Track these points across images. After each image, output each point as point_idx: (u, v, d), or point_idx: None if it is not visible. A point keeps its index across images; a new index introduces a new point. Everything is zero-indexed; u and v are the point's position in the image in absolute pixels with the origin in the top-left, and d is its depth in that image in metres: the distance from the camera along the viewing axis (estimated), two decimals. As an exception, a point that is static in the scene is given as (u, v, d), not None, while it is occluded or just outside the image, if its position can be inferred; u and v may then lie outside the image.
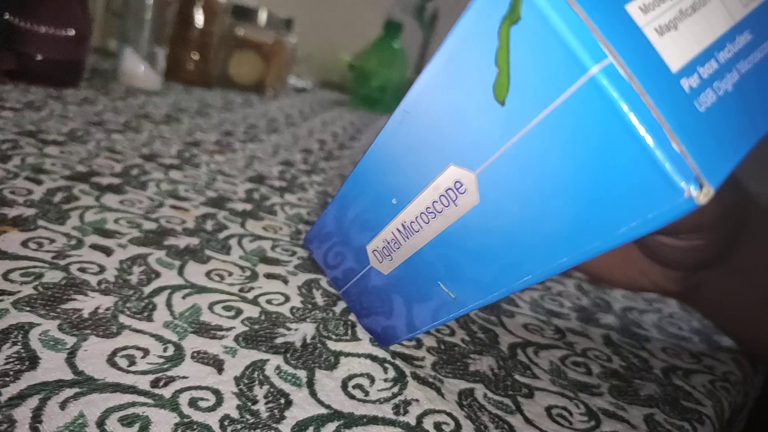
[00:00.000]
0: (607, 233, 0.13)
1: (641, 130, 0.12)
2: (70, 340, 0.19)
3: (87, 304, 0.21)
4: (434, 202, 0.17)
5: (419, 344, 0.24)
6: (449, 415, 0.20)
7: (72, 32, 0.51)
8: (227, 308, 0.23)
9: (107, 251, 0.25)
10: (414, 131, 0.17)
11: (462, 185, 0.16)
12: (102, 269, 0.23)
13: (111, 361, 0.18)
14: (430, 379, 0.22)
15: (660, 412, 0.24)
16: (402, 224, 0.18)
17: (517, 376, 0.24)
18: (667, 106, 0.12)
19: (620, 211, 0.13)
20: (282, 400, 0.18)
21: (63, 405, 0.16)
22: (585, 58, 0.12)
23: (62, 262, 0.23)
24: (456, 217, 0.16)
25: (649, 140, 0.12)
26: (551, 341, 0.27)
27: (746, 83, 0.13)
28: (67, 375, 0.17)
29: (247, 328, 0.22)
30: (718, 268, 0.28)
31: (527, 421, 0.21)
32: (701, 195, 0.12)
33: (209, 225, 0.30)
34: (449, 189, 0.16)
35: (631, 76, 0.12)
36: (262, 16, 0.80)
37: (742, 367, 0.31)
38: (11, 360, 0.17)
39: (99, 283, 0.22)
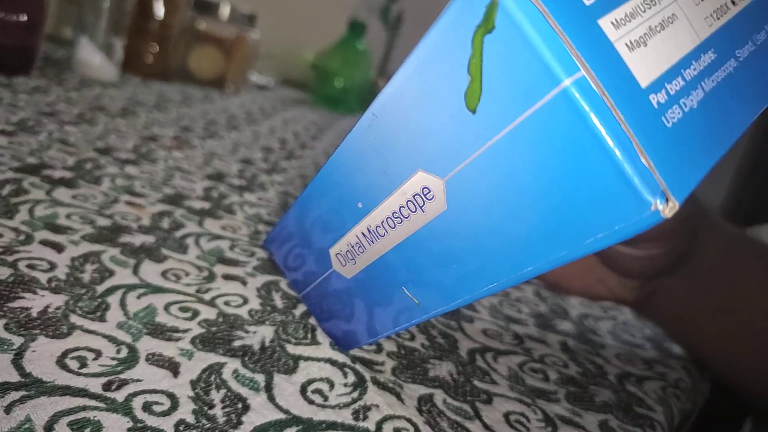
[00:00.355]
0: (573, 243, 0.13)
1: (611, 143, 0.12)
2: (17, 341, 0.18)
3: (36, 302, 0.20)
4: (401, 207, 0.17)
5: (379, 349, 0.24)
6: (409, 420, 0.20)
7: (24, 18, 0.50)
8: (184, 309, 0.22)
9: (58, 248, 0.24)
10: (382, 136, 0.16)
11: (430, 191, 0.16)
12: (52, 266, 0.22)
13: (61, 362, 0.17)
14: (390, 384, 0.22)
15: (614, 418, 0.24)
16: (367, 228, 0.18)
17: (476, 382, 0.24)
18: (636, 121, 0.12)
19: (587, 222, 0.13)
20: (239, 405, 0.18)
21: (8, 409, 0.15)
22: (558, 70, 0.12)
23: (10, 258, 0.22)
24: (423, 222, 0.16)
25: (619, 154, 0.12)
26: (510, 347, 0.28)
27: (710, 101, 0.14)
28: (14, 377, 0.16)
29: (204, 330, 0.21)
30: (672, 277, 0.28)
31: (486, 427, 0.21)
32: (667, 209, 0.12)
33: (166, 223, 0.30)
34: (417, 195, 0.16)
35: (602, 89, 0.12)
36: (225, 11, 0.78)
37: (691, 374, 0.32)
38: (-48, 361, 0.16)
39: (49, 280, 0.21)
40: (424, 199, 0.16)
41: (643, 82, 0.13)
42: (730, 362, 0.31)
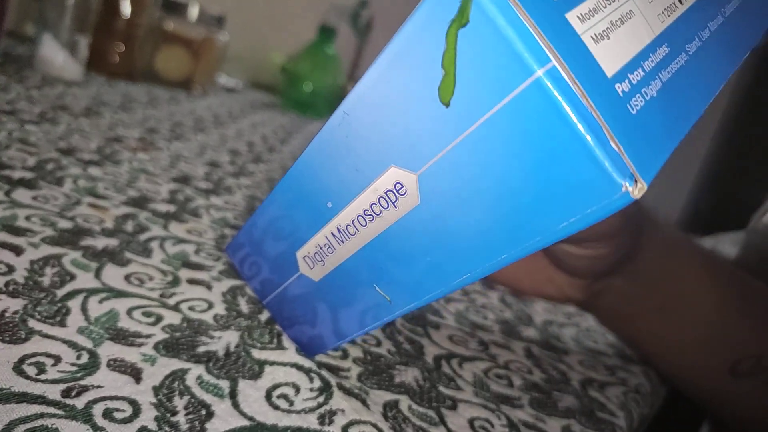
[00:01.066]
0: (548, 229, 0.14)
1: (582, 129, 0.12)
2: (-28, 346, 0.17)
3: (-8, 306, 0.19)
4: (372, 204, 0.17)
5: (345, 355, 0.24)
6: (374, 426, 0.20)
7: (-15, 13, 0.48)
8: (147, 314, 0.22)
9: (17, 250, 0.23)
10: (353, 133, 0.17)
11: (402, 186, 0.16)
12: (10, 269, 0.22)
13: (18, 368, 0.17)
14: (356, 390, 0.22)
15: (577, 423, 0.24)
16: (337, 228, 0.18)
17: (441, 388, 0.24)
18: (605, 108, 0.13)
19: (561, 208, 0.13)
20: (203, 412, 0.18)
21: (-39, 417, 0.15)
22: (530, 61, 0.12)
23: (-35, 261, 0.21)
24: (395, 219, 0.17)
25: (590, 139, 0.12)
26: (475, 353, 0.28)
27: (667, 90, 0.14)
28: (-32, 384, 0.16)
29: (167, 336, 0.21)
30: (617, 277, 0.29)
31: (450, 432, 0.21)
32: (636, 190, 0.13)
33: (130, 226, 0.29)
34: (389, 191, 0.16)
35: (573, 79, 0.12)
36: (193, 11, 0.77)
37: (650, 379, 0.32)
38: None
39: (7, 284, 0.21)
40: (397, 194, 0.16)
41: (609, 72, 0.13)
42: (670, 360, 0.32)
